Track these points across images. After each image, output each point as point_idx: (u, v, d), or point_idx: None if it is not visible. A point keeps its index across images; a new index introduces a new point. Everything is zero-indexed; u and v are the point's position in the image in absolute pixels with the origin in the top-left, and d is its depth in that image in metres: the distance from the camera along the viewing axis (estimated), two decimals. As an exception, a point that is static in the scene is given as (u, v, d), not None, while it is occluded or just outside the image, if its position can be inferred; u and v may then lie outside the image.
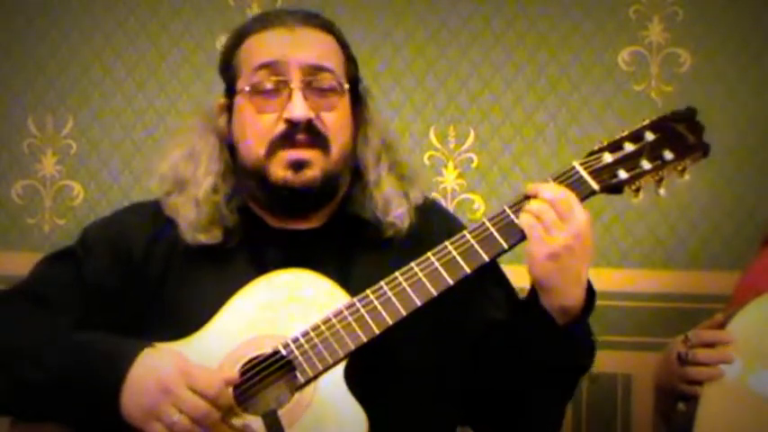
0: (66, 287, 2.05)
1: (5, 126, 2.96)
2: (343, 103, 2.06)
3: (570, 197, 1.91)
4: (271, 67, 2.03)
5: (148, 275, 2.05)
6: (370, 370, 1.90)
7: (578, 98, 2.92)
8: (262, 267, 2.00)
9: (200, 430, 1.82)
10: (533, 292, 1.94)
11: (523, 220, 1.90)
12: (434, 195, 2.87)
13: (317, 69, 2.03)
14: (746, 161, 2.89)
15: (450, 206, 2.90)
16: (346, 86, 2.07)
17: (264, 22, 2.10)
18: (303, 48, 2.05)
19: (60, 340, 1.93)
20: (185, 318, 1.96)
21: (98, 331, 1.95)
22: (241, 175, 2.08)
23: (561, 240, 1.88)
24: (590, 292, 1.95)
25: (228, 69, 2.11)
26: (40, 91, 2.96)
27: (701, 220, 2.90)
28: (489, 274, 2.08)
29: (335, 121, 2.04)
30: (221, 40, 2.93)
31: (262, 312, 1.94)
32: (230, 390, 1.87)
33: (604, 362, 2.83)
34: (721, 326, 2.12)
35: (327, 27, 2.10)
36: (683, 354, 2.12)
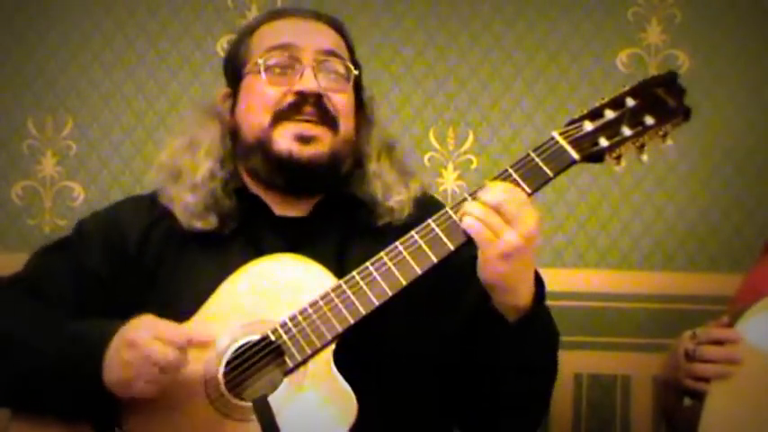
0: (62, 278, 2.06)
1: (5, 126, 2.96)
2: (350, 92, 2.10)
3: (519, 198, 1.85)
4: (283, 48, 2.06)
5: (143, 265, 2.06)
6: (359, 353, 1.90)
7: (577, 100, 2.92)
8: (258, 253, 1.99)
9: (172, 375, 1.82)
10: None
11: (468, 224, 1.85)
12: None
13: (329, 53, 2.07)
14: (744, 163, 2.88)
15: (449, 207, 2.90)
16: (355, 72, 2.10)
17: (274, 15, 2.15)
18: (316, 35, 2.09)
19: (50, 332, 1.94)
20: (180, 305, 1.96)
21: (84, 319, 1.95)
22: (244, 154, 2.09)
23: (513, 242, 1.82)
24: (539, 284, 1.91)
25: (235, 60, 2.14)
26: (40, 91, 2.96)
27: (699, 222, 2.89)
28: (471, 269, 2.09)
29: (343, 103, 2.07)
30: (221, 42, 2.95)
31: (250, 298, 1.94)
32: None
33: (603, 363, 2.84)
34: (728, 327, 2.12)
35: (338, 27, 2.15)
36: (690, 350, 2.12)
